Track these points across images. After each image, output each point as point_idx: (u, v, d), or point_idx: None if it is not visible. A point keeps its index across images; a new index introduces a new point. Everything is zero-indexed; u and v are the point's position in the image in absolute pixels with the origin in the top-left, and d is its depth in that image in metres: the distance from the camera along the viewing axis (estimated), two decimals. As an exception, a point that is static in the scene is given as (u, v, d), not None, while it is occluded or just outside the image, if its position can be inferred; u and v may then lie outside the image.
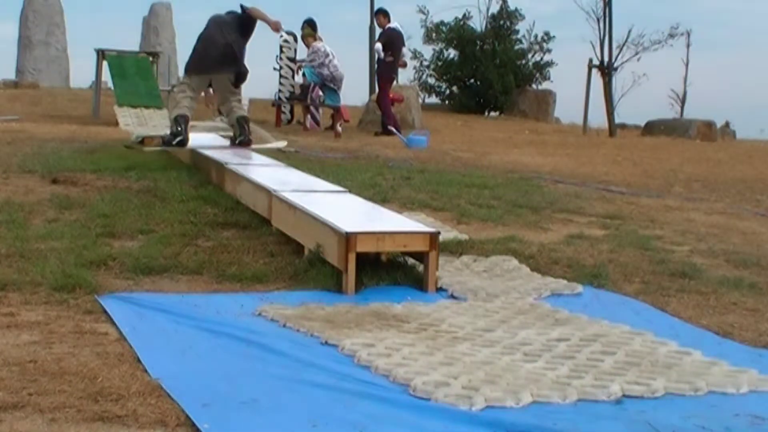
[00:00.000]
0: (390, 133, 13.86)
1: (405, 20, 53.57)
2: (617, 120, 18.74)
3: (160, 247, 5.53)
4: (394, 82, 15.52)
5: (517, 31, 22.70)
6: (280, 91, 15.69)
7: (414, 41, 30.53)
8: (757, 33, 52.25)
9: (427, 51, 23.20)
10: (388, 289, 4.91)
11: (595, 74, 18.39)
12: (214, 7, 54.06)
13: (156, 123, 13.71)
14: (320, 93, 14.94)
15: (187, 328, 4.07)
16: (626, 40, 18.93)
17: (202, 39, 8.98)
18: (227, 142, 9.79)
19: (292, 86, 15.68)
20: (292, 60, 15.84)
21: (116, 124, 13.62)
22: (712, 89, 36.33)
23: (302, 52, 15.80)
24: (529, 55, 22.76)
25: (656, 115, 20.47)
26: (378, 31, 15.71)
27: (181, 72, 16.76)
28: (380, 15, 15.41)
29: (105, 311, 4.25)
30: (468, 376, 3.45)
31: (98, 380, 3.28)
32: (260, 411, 3.09)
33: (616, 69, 18.60)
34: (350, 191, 6.62)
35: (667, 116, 21.32)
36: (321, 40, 15.12)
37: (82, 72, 48.39)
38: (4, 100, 17.29)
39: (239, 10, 9.02)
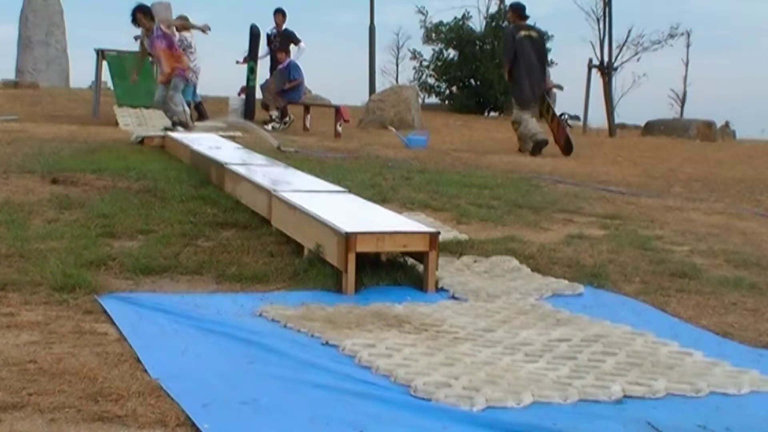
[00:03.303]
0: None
1: (404, 20, 53.64)
2: (617, 120, 18.75)
3: (160, 247, 5.53)
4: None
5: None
6: None
7: (414, 41, 30.50)
8: (756, 33, 52.30)
9: (427, 51, 23.25)
10: (388, 289, 4.90)
11: (595, 74, 18.41)
12: (213, 7, 53.96)
13: (156, 123, 13.72)
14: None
15: (187, 328, 4.06)
16: (626, 40, 18.99)
17: None
18: (227, 142, 9.81)
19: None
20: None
21: (116, 124, 13.64)
22: (712, 89, 36.36)
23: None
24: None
25: (656, 115, 20.53)
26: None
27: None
28: (278, 14, 15.51)
29: (105, 311, 4.25)
30: (469, 377, 3.44)
31: (98, 380, 3.27)
32: (260, 411, 3.08)
33: (616, 69, 18.63)
34: (350, 191, 6.62)
35: (667, 116, 21.39)
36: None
37: (82, 72, 48.38)
38: (4, 100, 17.29)
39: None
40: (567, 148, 12.82)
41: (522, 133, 12.64)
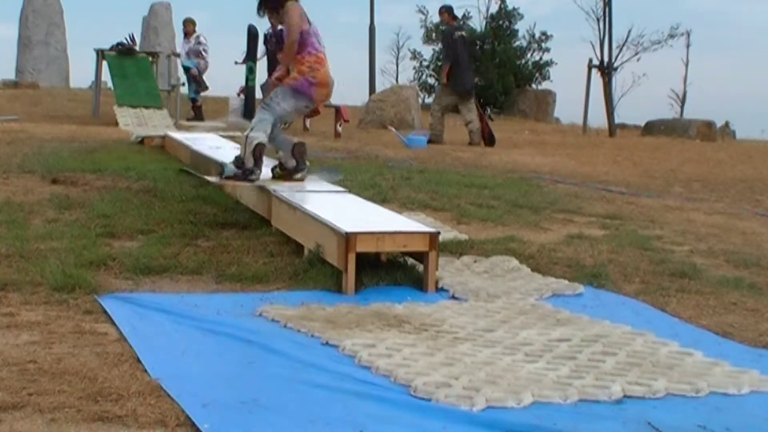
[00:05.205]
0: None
1: (404, 20, 53.62)
2: (617, 120, 18.74)
3: (160, 247, 5.53)
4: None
5: (517, 31, 22.75)
6: None
7: (414, 41, 30.51)
8: (757, 33, 52.30)
9: (427, 51, 23.28)
10: (388, 289, 4.90)
11: (595, 74, 18.40)
12: (214, 7, 53.98)
13: (156, 123, 13.74)
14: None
15: (187, 328, 4.06)
16: (626, 40, 18.98)
17: None
18: (227, 142, 9.80)
19: None
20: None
21: (116, 124, 13.64)
22: (712, 89, 36.34)
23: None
24: (528, 54, 22.79)
25: (656, 115, 20.52)
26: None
27: (180, 72, 16.80)
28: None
29: (105, 311, 4.25)
30: (469, 377, 3.44)
31: (98, 380, 3.28)
32: (260, 411, 3.08)
33: (616, 69, 18.62)
34: (350, 191, 6.62)
35: (667, 116, 21.36)
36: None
37: (82, 72, 48.39)
38: (4, 100, 17.29)
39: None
40: (490, 141, 13.79)
41: (472, 129, 13.72)
